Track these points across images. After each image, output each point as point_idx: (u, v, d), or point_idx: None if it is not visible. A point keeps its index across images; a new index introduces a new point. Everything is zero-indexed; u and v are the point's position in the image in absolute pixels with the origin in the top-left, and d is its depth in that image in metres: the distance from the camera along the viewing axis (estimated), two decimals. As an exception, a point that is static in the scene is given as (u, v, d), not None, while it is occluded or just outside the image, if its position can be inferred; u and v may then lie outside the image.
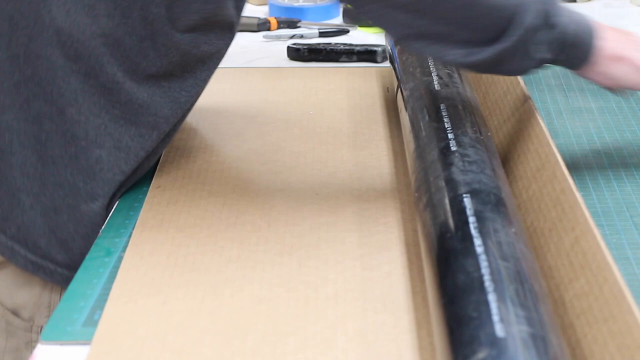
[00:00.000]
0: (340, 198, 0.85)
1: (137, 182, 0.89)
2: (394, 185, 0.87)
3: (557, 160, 0.74)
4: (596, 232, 0.63)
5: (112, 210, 0.85)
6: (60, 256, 0.83)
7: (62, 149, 0.82)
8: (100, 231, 0.82)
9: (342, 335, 0.66)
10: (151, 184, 0.88)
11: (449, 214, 0.67)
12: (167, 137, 0.87)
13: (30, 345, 0.88)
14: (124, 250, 0.78)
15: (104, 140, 0.82)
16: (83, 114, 0.81)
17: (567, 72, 1.15)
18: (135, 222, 0.81)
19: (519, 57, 0.79)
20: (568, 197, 0.69)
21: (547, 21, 0.78)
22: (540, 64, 0.80)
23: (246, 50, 1.33)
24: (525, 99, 0.88)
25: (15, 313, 0.87)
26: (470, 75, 1.05)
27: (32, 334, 0.88)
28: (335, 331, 0.66)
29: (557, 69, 1.17)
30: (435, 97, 0.87)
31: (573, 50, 0.81)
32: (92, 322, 0.68)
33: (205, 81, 0.88)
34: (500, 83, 0.97)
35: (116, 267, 0.75)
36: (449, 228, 0.65)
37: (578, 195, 0.68)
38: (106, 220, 0.83)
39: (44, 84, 0.81)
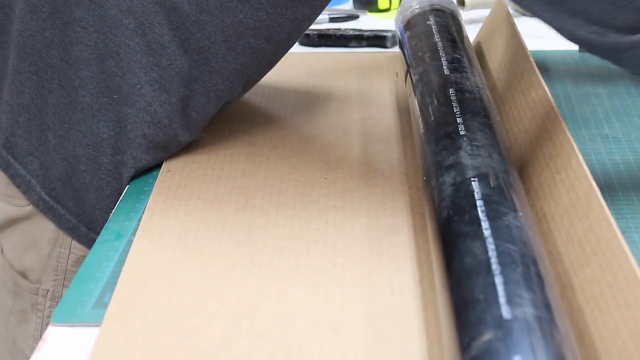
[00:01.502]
0: (349, 182, 0.85)
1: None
2: (402, 169, 0.87)
3: (573, 148, 0.74)
4: (612, 220, 0.63)
5: (122, 194, 0.85)
6: (72, 203, 0.84)
7: (93, 98, 0.83)
8: (111, 215, 0.82)
9: (349, 319, 0.66)
10: (161, 169, 0.88)
11: (457, 198, 0.67)
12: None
13: (36, 308, 0.89)
14: (134, 234, 0.78)
15: (135, 99, 0.83)
16: (121, 69, 0.81)
17: (575, 56, 1.16)
18: (145, 206, 0.81)
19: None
20: (583, 184, 0.69)
21: None
22: None
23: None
24: (540, 85, 0.87)
25: (23, 275, 0.87)
26: (481, 61, 1.04)
27: (39, 297, 0.88)
28: (343, 314, 0.66)
29: (567, 54, 1.17)
30: (445, 82, 0.86)
31: None
32: (102, 304, 0.69)
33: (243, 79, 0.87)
34: (513, 70, 0.97)
35: (126, 251, 0.75)
36: (456, 211, 0.65)
37: (594, 183, 0.68)
38: (117, 204, 0.84)
39: (91, 29, 0.81)
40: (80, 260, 0.88)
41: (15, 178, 0.86)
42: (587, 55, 1.16)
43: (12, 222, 0.87)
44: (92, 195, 0.84)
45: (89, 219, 0.85)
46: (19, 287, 0.88)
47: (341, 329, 0.64)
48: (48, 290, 0.88)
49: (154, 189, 0.84)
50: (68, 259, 0.86)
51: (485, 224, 0.62)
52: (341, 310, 0.67)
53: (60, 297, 0.89)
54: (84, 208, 0.84)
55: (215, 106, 0.87)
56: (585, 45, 0.76)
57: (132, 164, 0.85)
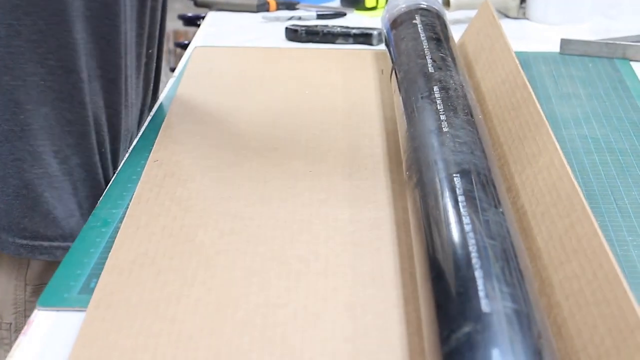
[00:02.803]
0: (333, 176, 0.85)
1: (135, 156, 0.88)
2: (386, 164, 0.87)
3: (556, 148, 0.74)
4: (593, 219, 0.63)
5: (110, 182, 0.85)
6: (49, 231, 0.83)
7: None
8: (99, 202, 0.81)
9: (331, 308, 0.65)
10: (149, 158, 0.88)
11: (439, 193, 0.67)
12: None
13: (2, 342, 0.88)
14: (120, 221, 0.77)
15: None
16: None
17: (556, 57, 1.16)
18: (132, 195, 0.81)
19: None
20: (565, 184, 0.69)
21: None
22: None
23: (245, 30, 1.32)
24: (525, 87, 0.87)
25: None
26: (465, 61, 1.04)
27: (2, 331, 0.88)
28: (325, 304, 0.66)
29: (548, 55, 1.17)
30: (429, 79, 0.86)
31: None
32: (88, 289, 0.68)
33: None
34: (498, 70, 0.97)
35: (113, 238, 0.75)
36: (438, 206, 0.65)
37: (576, 183, 0.68)
38: (104, 192, 0.83)
39: None
40: (38, 290, 0.88)
41: None
42: (568, 56, 1.16)
43: None
44: (60, 210, 0.83)
45: (68, 232, 0.85)
46: None
47: (323, 318, 0.64)
48: (11, 324, 0.88)
49: (142, 178, 0.84)
50: (25, 291, 0.85)
51: (466, 219, 0.61)
52: (323, 299, 0.66)
53: None
54: (60, 226, 0.83)
55: None
56: None
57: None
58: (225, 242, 0.73)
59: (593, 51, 1.16)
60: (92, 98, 0.85)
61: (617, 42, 1.17)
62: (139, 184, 0.83)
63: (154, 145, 0.90)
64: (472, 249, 0.58)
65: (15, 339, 0.84)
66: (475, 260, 0.57)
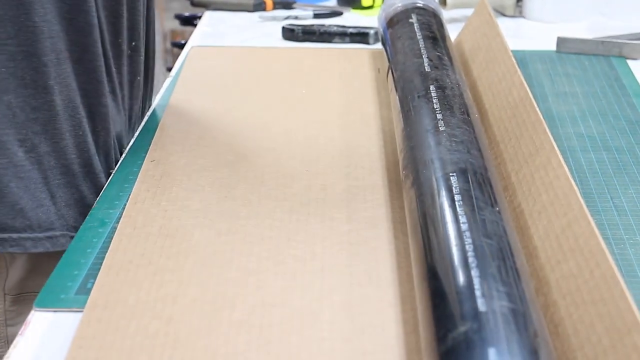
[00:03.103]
0: (330, 175, 0.84)
1: (132, 156, 0.88)
2: (382, 163, 0.87)
3: (553, 147, 0.73)
4: (590, 219, 0.62)
5: (107, 183, 0.84)
6: (17, 222, 0.83)
7: None
8: (95, 203, 0.81)
9: (328, 308, 0.65)
10: (145, 158, 0.87)
11: (436, 192, 0.66)
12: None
13: None
14: (117, 221, 0.77)
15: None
16: None
17: (553, 56, 1.16)
18: (129, 195, 0.81)
19: None
20: (562, 183, 0.69)
21: None
22: None
23: (242, 30, 1.32)
24: (522, 85, 0.87)
25: None
26: (461, 60, 1.04)
27: None
28: (322, 303, 0.66)
29: (544, 53, 1.17)
30: (425, 78, 0.86)
31: None
32: (85, 290, 0.68)
33: None
34: (494, 69, 0.97)
35: (110, 238, 0.74)
36: (435, 205, 0.65)
37: (573, 182, 0.67)
38: (101, 193, 0.83)
39: None
40: (17, 300, 0.88)
41: None
42: (564, 55, 1.16)
43: None
44: (26, 201, 0.83)
45: (36, 223, 0.84)
46: None
47: (320, 318, 0.64)
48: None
49: (138, 178, 0.84)
50: (5, 300, 0.85)
51: (462, 218, 0.61)
52: (320, 299, 0.66)
53: (7, 339, 0.89)
54: (27, 217, 0.83)
55: None
56: None
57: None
58: (222, 242, 0.73)
59: (589, 49, 1.16)
60: (63, 81, 0.83)
61: (614, 40, 1.16)
62: (135, 184, 0.82)
63: (151, 145, 0.90)
64: (469, 248, 0.58)
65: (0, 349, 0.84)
66: (471, 260, 0.56)
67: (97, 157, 0.88)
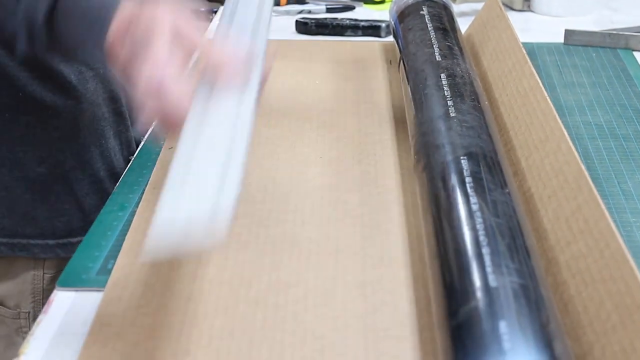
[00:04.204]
0: (343, 161, 0.85)
1: (150, 144, 0.89)
2: (394, 150, 0.87)
3: (563, 134, 0.74)
4: (600, 201, 0.62)
5: (126, 169, 0.85)
6: (28, 229, 0.82)
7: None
8: (115, 188, 0.82)
9: (341, 287, 0.66)
10: (163, 146, 0.88)
11: (447, 175, 0.67)
12: None
13: (21, 331, 0.88)
14: (136, 205, 0.77)
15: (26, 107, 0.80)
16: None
17: (560, 48, 1.16)
18: (148, 180, 0.81)
19: None
20: (572, 168, 0.69)
21: None
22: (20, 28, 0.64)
23: (256, 24, 1.32)
24: (532, 75, 0.87)
25: (1, 303, 0.86)
26: (471, 52, 1.04)
27: (21, 320, 0.87)
28: (335, 283, 0.66)
29: (552, 45, 1.17)
30: (436, 67, 0.86)
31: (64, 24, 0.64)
32: (105, 270, 0.68)
33: None
34: (505, 60, 0.96)
35: (129, 221, 0.75)
36: (446, 187, 0.65)
37: (583, 167, 0.67)
38: (120, 178, 0.83)
39: None
40: (55, 278, 0.87)
41: None
42: (572, 47, 1.16)
43: None
44: (41, 212, 0.82)
45: (50, 230, 0.84)
46: None
47: (334, 297, 0.65)
48: (29, 312, 0.87)
49: (157, 164, 0.84)
50: (43, 280, 0.85)
51: (473, 199, 0.62)
52: (334, 279, 0.67)
53: None
54: (40, 226, 0.82)
55: None
56: None
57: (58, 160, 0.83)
58: (238, 225, 0.74)
59: (596, 41, 1.16)
60: (88, 99, 0.82)
61: (620, 33, 1.16)
62: (154, 170, 0.83)
63: (168, 134, 0.90)
64: (480, 227, 0.58)
65: None
66: (482, 238, 0.57)
67: (120, 157, 0.88)
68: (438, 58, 0.88)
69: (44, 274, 0.85)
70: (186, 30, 0.57)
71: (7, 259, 0.84)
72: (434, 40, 0.93)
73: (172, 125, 0.55)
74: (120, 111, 0.88)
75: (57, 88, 0.80)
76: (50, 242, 0.82)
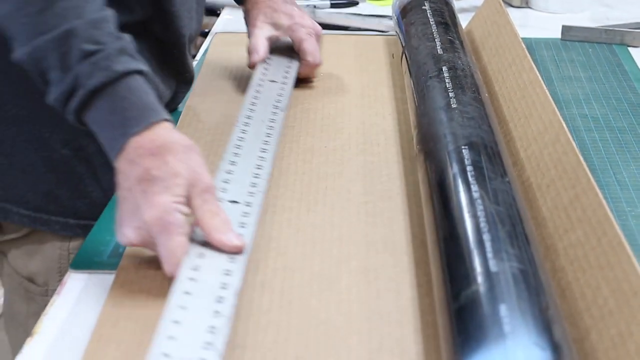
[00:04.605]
0: (347, 151, 0.84)
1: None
2: (397, 141, 0.87)
3: (562, 126, 0.73)
4: (598, 191, 0.62)
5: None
6: (50, 207, 0.82)
7: (18, 107, 0.80)
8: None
9: (345, 273, 0.65)
10: (173, 134, 0.88)
11: (449, 164, 0.66)
12: None
13: None
14: (147, 192, 0.77)
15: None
16: None
17: (558, 43, 1.16)
18: (158, 167, 0.81)
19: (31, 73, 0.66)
20: (570, 158, 0.69)
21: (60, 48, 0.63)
22: (56, 99, 0.65)
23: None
24: (531, 69, 0.87)
25: (31, 280, 0.86)
26: (472, 46, 1.04)
27: (49, 297, 0.87)
28: (340, 269, 0.66)
29: (550, 41, 1.17)
30: (438, 60, 0.86)
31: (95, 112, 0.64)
32: (117, 254, 0.68)
33: None
34: (505, 55, 0.96)
35: (140, 207, 0.75)
36: (448, 176, 0.65)
37: (582, 158, 0.67)
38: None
39: None
40: None
41: None
42: (569, 42, 1.16)
43: (10, 242, 0.86)
44: (64, 192, 0.82)
45: (72, 210, 0.84)
46: (29, 292, 0.86)
47: (338, 282, 0.64)
48: (56, 290, 0.87)
49: (166, 152, 0.84)
50: (68, 260, 0.85)
51: (474, 187, 0.61)
52: (338, 264, 0.66)
53: None
54: (62, 205, 0.82)
55: None
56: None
57: (85, 143, 0.82)
58: (246, 211, 0.73)
59: (593, 37, 1.16)
60: None
61: (616, 29, 1.16)
62: (164, 158, 0.83)
63: (178, 123, 0.90)
64: (481, 214, 0.58)
65: None
66: (483, 225, 0.57)
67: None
68: (440, 51, 0.88)
69: (69, 254, 0.85)
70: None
71: (36, 238, 0.84)
72: (435, 35, 0.93)
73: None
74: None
75: None
76: (71, 221, 0.83)
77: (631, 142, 0.86)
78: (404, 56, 0.96)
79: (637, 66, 1.07)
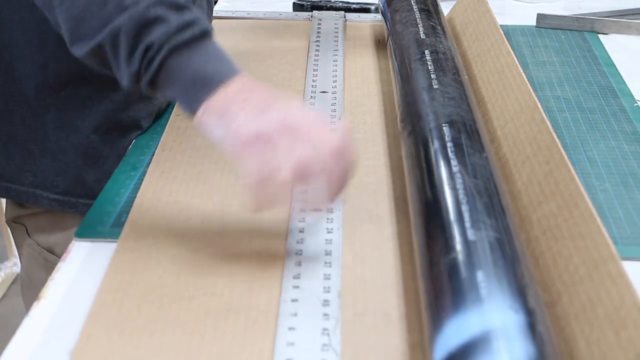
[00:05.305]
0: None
1: (160, 110, 0.87)
2: (382, 119, 0.86)
3: (537, 106, 0.73)
4: (570, 167, 0.62)
5: (139, 133, 0.84)
6: (77, 190, 0.81)
7: (52, 96, 0.79)
8: (128, 150, 0.81)
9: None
10: (172, 113, 0.87)
11: (430, 140, 0.66)
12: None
13: None
14: (147, 166, 0.76)
15: (89, 80, 0.78)
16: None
17: (533, 30, 1.15)
18: (158, 143, 0.80)
19: (109, 61, 0.61)
20: (545, 136, 0.68)
21: (139, 32, 0.58)
22: (131, 78, 0.59)
23: (256, 5, 1.31)
24: (509, 53, 0.86)
25: (50, 251, 0.85)
26: (453, 32, 1.03)
27: None
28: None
29: (525, 28, 1.16)
30: (421, 44, 0.85)
31: (166, 81, 0.59)
32: (119, 223, 0.68)
33: None
34: (484, 40, 0.95)
35: (140, 180, 0.74)
36: (429, 151, 0.64)
37: (555, 136, 0.67)
38: (133, 141, 0.82)
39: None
40: None
41: (21, 196, 0.82)
42: (543, 30, 1.15)
43: (33, 215, 0.85)
44: (91, 175, 0.81)
45: (98, 191, 0.83)
46: (48, 262, 0.85)
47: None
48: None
49: (166, 129, 0.83)
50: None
51: (454, 162, 0.61)
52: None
53: None
54: (89, 187, 0.81)
55: None
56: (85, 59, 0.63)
57: (110, 129, 0.81)
58: (239, 185, 0.72)
59: (565, 25, 1.15)
60: None
61: (587, 17, 1.15)
62: (163, 134, 0.82)
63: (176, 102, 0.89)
64: (460, 187, 0.57)
65: None
66: (462, 197, 0.56)
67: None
68: (422, 36, 0.87)
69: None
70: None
71: (59, 214, 0.83)
72: (418, 21, 0.92)
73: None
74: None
75: None
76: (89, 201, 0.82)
77: (600, 121, 0.86)
78: (389, 40, 0.95)
79: (606, 52, 1.06)
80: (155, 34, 0.58)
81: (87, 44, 0.60)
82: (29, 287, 0.89)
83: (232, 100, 0.58)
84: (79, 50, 0.61)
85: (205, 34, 0.60)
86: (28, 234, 0.87)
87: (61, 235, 0.84)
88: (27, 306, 0.91)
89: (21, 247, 0.89)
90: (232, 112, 0.58)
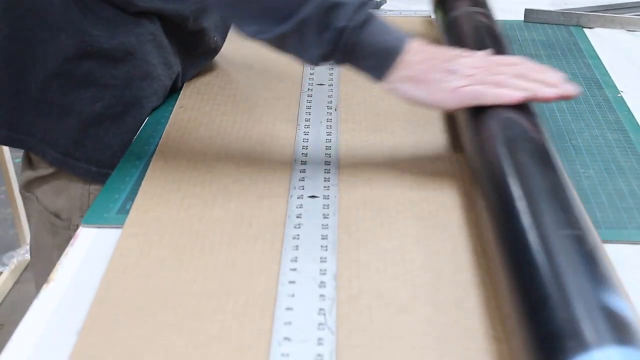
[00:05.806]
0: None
1: (164, 103, 0.87)
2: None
3: None
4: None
5: (143, 124, 0.83)
6: (78, 153, 0.82)
7: (64, 67, 0.80)
8: (133, 140, 0.81)
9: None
10: (175, 105, 0.87)
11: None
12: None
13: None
14: (151, 155, 0.76)
15: (90, 52, 0.80)
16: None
17: (521, 25, 1.15)
18: (162, 134, 0.80)
19: (295, 44, 0.67)
20: None
21: (326, 17, 0.65)
22: (321, 57, 0.67)
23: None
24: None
25: (57, 215, 0.86)
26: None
27: (71, 231, 0.87)
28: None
29: (514, 23, 1.16)
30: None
31: (355, 56, 0.67)
32: (124, 210, 0.67)
33: None
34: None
35: (145, 169, 0.74)
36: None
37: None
38: (138, 132, 0.82)
39: None
40: None
41: (32, 149, 0.84)
42: (531, 24, 1.15)
43: (42, 179, 0.85)
44: (91, 140, 0.81)
45: (95, 159, 0.83)
46: (54, 226, 0.86)
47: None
48: (77, 225, 0.87)
49: (169, 121, 0.83)
50: (89, 199, 0.84)
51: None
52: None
53: None
54: (87, 153, 0.81)
55: None
56: (265, 43, 0.70)
57: (113, 102, 0.82)
58: (240, 172, 0.73)
59: (552, 19, 1.15)
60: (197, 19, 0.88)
61: (573, 12, 1.15)
62: (167, 125, 0.82)
63: (180, 94, 0.89)
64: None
65: None
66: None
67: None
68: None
69: (89, 194, 0.85)
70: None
71: (63, 177, 0.84)
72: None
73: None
74: (175, 80, 0.87)
75: (118, 43, 0.80)
76: (93, 169, 0.83)
77: (585, 111, 0.85)
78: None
79: (591, 45, 1.06)
80: (341, 18, 0.65)
81: (273, 32, 0.67)
82: (37, 252, 0.90)
83: (419, 64, 0.67)
84: (263, 35, 0.68)
85: (373, 10, 0.67)
86: (38, 200, 0.88)
87: (66, 201, 0.85)
88: (36, 272, 0.92)
89: (31, 216, 0.90)
90: (425, 77, 0.66)
